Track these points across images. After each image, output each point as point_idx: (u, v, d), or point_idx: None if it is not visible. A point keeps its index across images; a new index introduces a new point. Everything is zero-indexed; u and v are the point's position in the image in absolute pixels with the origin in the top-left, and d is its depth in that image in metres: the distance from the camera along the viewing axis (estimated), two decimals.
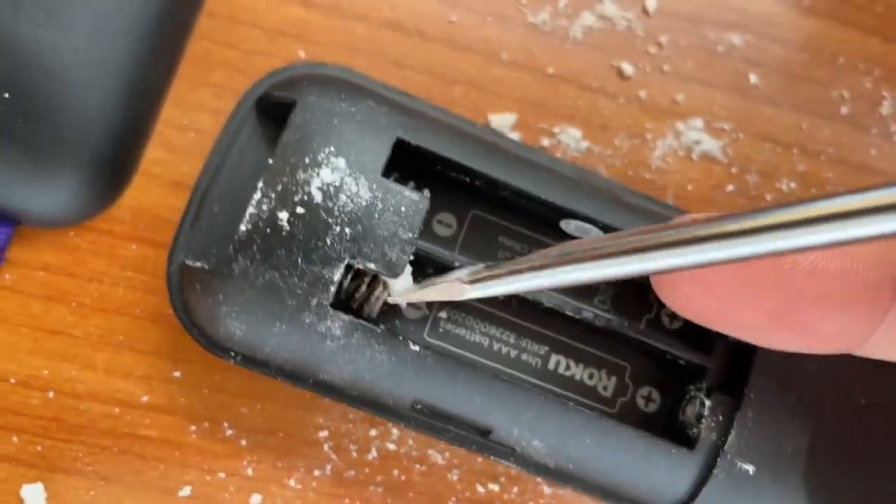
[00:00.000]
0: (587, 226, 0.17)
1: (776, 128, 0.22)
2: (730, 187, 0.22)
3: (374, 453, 0.19)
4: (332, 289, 0.15)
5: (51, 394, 0.18)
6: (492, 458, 0.17)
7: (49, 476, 0.18)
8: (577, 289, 0.18)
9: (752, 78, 0.22)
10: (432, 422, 0.16)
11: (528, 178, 0.17)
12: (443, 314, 0.18)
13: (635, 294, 0.18)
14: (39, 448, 0.18)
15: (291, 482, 0.19)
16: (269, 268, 0.15)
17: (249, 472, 0.19)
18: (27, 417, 0.18)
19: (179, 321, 0.16)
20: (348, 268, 0.15)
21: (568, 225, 0.17)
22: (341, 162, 0.15)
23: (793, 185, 0.22)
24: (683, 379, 0.18)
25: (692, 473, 0.16)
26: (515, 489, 0.19)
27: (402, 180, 0.16)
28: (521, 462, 0.16)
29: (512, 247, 0.18)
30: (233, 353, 0.16)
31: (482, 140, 0.17)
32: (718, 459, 0.16)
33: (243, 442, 0.19)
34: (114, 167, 0.19)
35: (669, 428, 0.17)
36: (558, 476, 0.17)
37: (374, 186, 0.15)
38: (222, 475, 0.18)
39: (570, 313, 0.17)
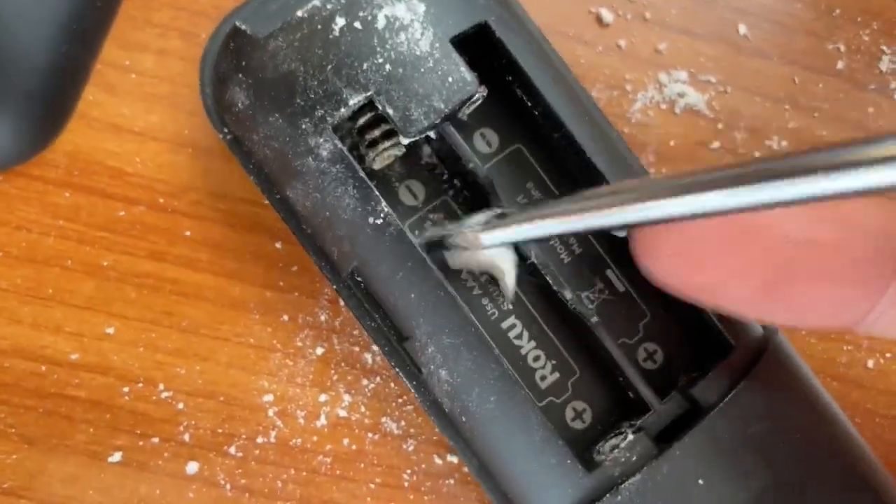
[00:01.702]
0: None
1: (766, 81, 0.20)
2: (715, 144, 0.20)
3: (322, 420, 0.18)
4: (342, 111, 0.14)
5: None
6: (396, 371, 0.15)
7: None
8: (577, 273, 0.17)
9: (742, 28, 0.21)
10: (361, 301, 0.15)
11: (588, 134, 0.16)
12: (435, 217, 0.17)
13: (626, 311, 0.17)
14: None
15: (232, 450, 0.17)
16: (299, 60, 0.14)
17: (186, 437, 0.17)
18: None
19: (200, 82, 0.15)
20: (369, 106, 0.15)
21: None
22: (421, 7, 0.15)
23: (784, 142, 0.20)
24: (623, 413, 0.16)
25: (576, 494, 0.15)
26: None
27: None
28: (420, 391, 0.15)
29: (534, 197, 0.17)
30: (226, 129, 0.15)
31: (561, 73, 0.16)
32: (608, 494, 0.14)
33: (180, 405, 0.17)
34: (47, 109, 0.17)
35: (581, 451, 0.15)
36: (445, 424, 0.15)
37: (437, 45, 0.15)
38: (156, 440, 0.17)
39: (555, 288, 0.16)
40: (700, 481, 0.15)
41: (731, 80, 0.20)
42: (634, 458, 0.15)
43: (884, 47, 0.21)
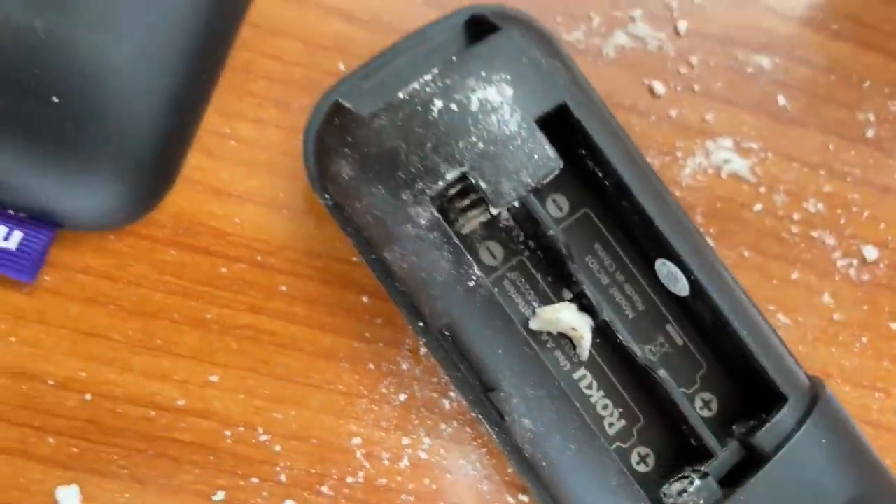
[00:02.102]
0: (679, 274, 0.17)
1: (804, 148, 0.22)
2: (758, 206, 0.22)
3: (405, 461, 0.19)
4: (440, 184, 0.16)
5: (88, 396, 0.18)
6: (479, 418, 0.17)
7: (84, 478, 0.18)
8: (641, 327, 0.19)
9: (781, 99, 0.22)
10: (449, 353, 0.17)
11: (655, 204, 0.17)
12: (512, 276, 0.19)
13: (684, 363, 0.19)
14: (75, 450, 0.18)
15: (324, 489, 0.19)
16: (401, 138, 0.16)
17: (283, 478, 0.19)
18: (64, 419, 0.18)
19: (304, 153, 0.17)
20: (462, 178, 0.16)
21: (662, 267, 0.18)
22: (509, 91, 0.16)
23: (820, 205, 0.22)
24: (687, 459, 0.18)
25: None
26: None
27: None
28: (503, 437, 0.17)
29: (602, 260, 0.19)
30: (328, 196, 0.17)
31: (627, 146, 0.18)
32: None
33: (277, 447, 0.19)
34: (156, 172, 0.19)
35: (647, 493, 0.17)
36: (525, 468, 0.17)
37: (524, 125, 0.16)
38: (255, 480, 0.18)
39: (624, 344, 0.17)
40: None
41: (772, 146, 0.22)
42: (702, 502, 0.16)
43: None
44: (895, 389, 0.22)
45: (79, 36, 0.17)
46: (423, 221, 0.16)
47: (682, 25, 0.22)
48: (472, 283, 0.16)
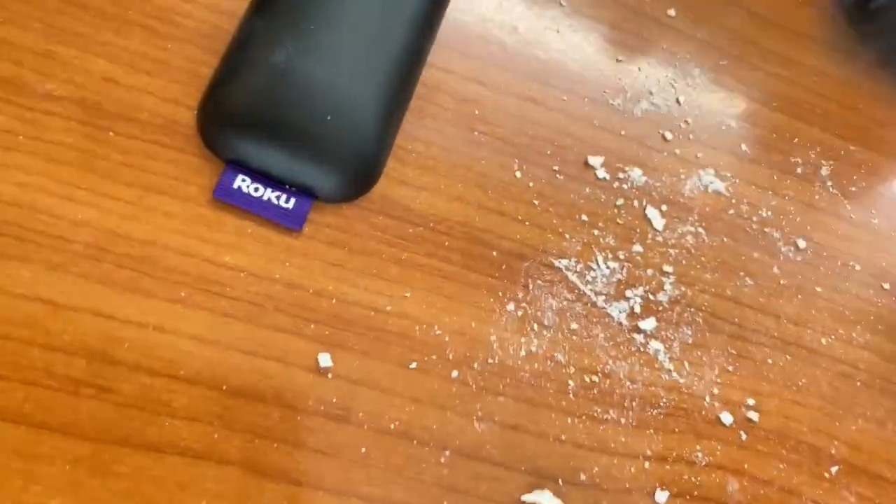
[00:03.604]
0: None
1: (758, 177, 0.36)
2: (731, 211, 0.35)
3: (522, 352, 0.30)
4: None
5: (334, 300, 0.29)
6: None
7: (333, 350, 0.29)
8: None
9: (743, 146, 0.36)
10: None
11: None
12: None
13: None
14: (327, 332, 0.29)
15: (475, 365, 0.30)
16: None
17: (450, 355, 0.30)
18: (322, 313, 0.29)
19: None
20: None
21: None
22: None
23: (769, 212, 0.35)
24: None
25: None
26: None
27: None
28: None
29: None
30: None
31: None
32: None
33: (446, 338, 0.30)
34: (372, 167, 0.31)
35: None
36: None
37: None
38: (434, 357, 0.30)
39: None
40: None
41: (739, 175, 0.35)
42: None
43: (822, 161, 0.36)
44: (808, 315, 0.34)
45: (333, 78, 0.29)
46: None
47: (682, 98, 0.36)
48: None
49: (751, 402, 0.32)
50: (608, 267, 0.33)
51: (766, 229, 0.35)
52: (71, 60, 0.29)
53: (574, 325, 0.31)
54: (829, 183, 0.37)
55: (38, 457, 0.24)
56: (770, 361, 0.33)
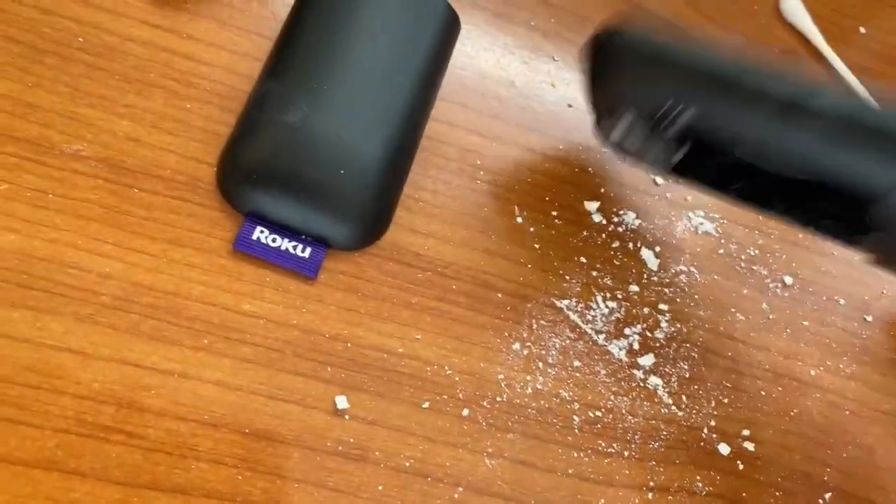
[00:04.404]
0: None
1: (745, 218, 0.38)
2: (721, 251, 0.37)
3: (529, 389, 0.32)
4: None
5: (349, 344, 0.31)
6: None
7: (348, 392, 0.30)
8: None
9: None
10: None
11: None
12: None
13: None
14: (343, 375, 0.30)
15: (484, 403, 0.31)
16: None
17: (460, 395, 0.31)
18: (334, 357, 0.30)
19: None
20: None
21: None
22: None
23: (757, 251, 0.37)
24: None
25: None
26: None
27: None
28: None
29: None
30: None
31: None
32: None
33: (456, 378, 0.31)
34: (382, 216, 0.33)
35: None
36: None
37: None
38: (445, 397, 0.31)
39: None
40: None
41: (727, 217, 0.37)
42: None
43: None
44: (800, 348, 0.36)
45: (345, 136, 0.31)
46: None
47: None
48: None
49: (746, 432, 0.34)
50: (607, 306, 0.34)
51: (754, 267, 0.37)
52: (96, 122, 0.31)
53: (577, 363, 0.33)
54: None
55: (72, 502, 0.25)
56: (763, 393, 0.35)
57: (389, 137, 0.32)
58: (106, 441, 0.26)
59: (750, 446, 0.33)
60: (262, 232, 0.31)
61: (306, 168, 0.30)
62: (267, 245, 0.31)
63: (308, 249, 0.31)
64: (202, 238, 0.30)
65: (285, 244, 0.31)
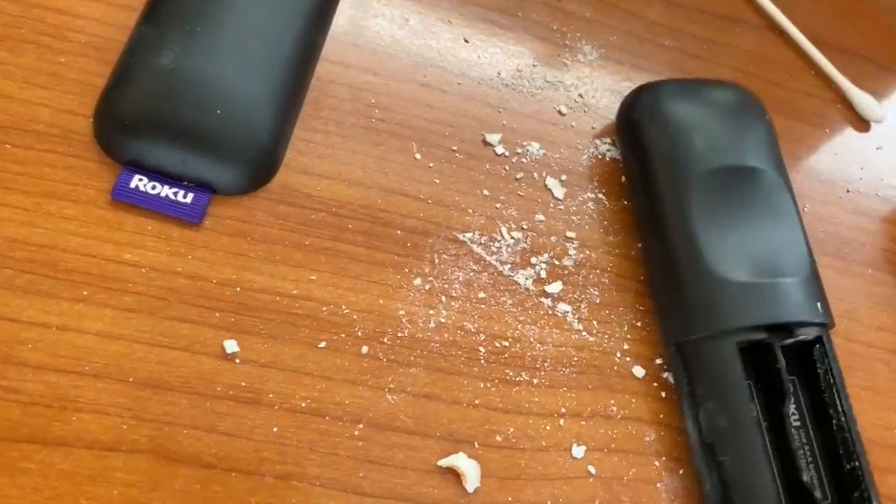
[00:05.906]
0: None
1: None
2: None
3: (431, 324, 0.31)
4: None
5: (238, 288, 0.30)
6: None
7: (239, 336, 0.29)
8: None
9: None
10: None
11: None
12: None
13: None
14: (232, 319, 0.29)
15: (385, 339, 0.30)
16: None
17: (359, 333, 0.30)
18: (224, 301, 0.30)
19: None
20: None
21: None
22: None
23: None
24: None
25: None
26: None
27: None
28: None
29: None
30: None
31: None
32: None
33: (354, 316, 0.30)
34: (268, 158, 0.32)
35: None
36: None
37: None
38: (343, 335, 0.30)
39: None
40: None
41: None
42: None
43: None
44: None
45: (229, 75, 0.30)
46: None
47: (575, 74, 0.37)
48: None
49: (661, 357, 0.33)
50: (512, 237, 0.34)
51: None
52: None
53: (482, 294, 0.32)
54: None
55: None
56: None
57: (272, 77, 0.31)
58: None
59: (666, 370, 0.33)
60: (140, 180, 0.30)
61: (180, 110, 0.29)
62: (146, 193, 0.30)
63: (190, 195, 0.30)
64: (79, 190, 0.29)
65: (166, 191, 0.30)
